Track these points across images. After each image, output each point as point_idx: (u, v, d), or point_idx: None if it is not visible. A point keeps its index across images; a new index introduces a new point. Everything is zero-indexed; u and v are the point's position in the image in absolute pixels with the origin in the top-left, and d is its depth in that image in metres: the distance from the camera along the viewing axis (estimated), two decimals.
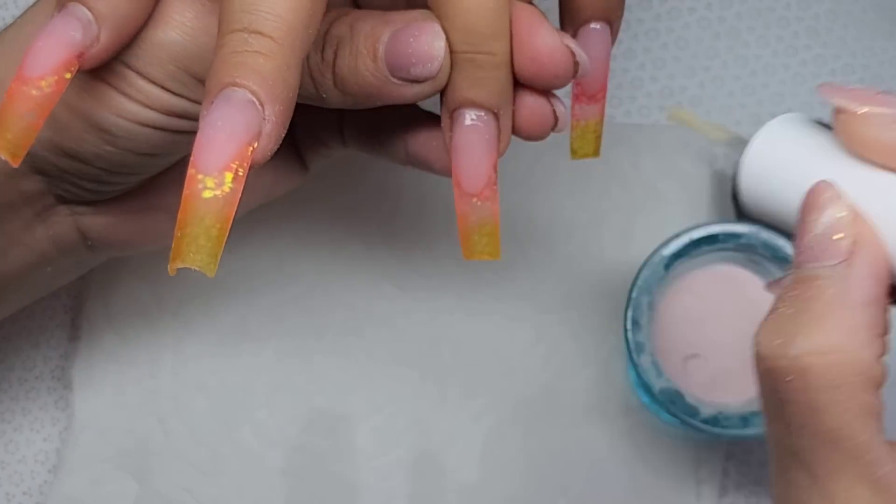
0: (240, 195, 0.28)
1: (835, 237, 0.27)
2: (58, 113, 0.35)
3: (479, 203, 0.33)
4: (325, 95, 0.34)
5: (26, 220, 0.39)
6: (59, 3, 0.32)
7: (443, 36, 0.32)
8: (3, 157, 0.30)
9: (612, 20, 0.36)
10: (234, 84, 0.28)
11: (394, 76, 0.33)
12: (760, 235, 0.44)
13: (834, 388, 0.26)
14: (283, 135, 0.29)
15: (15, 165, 0.31)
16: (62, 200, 0.39)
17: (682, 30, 0.53)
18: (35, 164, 0.37)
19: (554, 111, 0.35)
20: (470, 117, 0.33)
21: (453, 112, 0.33)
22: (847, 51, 0.53)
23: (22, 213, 0.39)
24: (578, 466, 0.48)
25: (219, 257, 0.28)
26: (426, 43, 0.32)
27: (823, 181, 0.28)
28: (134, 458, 0.48)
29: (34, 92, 0.31)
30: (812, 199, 0.28)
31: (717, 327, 0.46)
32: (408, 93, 0.33)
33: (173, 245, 0.27)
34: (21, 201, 0.38)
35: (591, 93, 0.37)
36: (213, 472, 0.48)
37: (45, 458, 0.49)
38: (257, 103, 0.28)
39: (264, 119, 0.28)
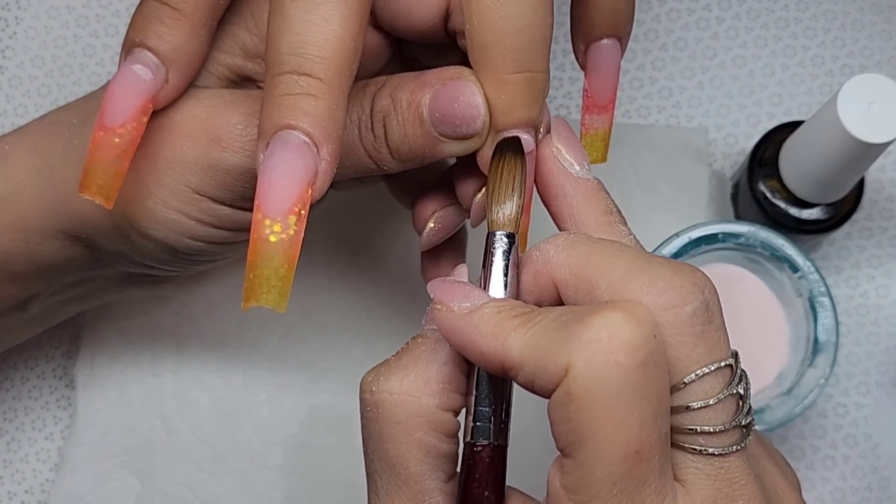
0: (303, 233, 0.29)
1: None
2: (131, 235, 0.36)
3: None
4: (385, 168, 0.35)
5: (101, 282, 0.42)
6: (124, 49, 0.34)
7: (481, 92, 0.32)
8: (97, 202, 0.32)
9: (622, 36, 0.37)
10: (289, 126, 0.29)
11: (441, 135, 0.33)
12: (759, 235, 0.44)
13: (396, 424, 0.30)
14: (336, 170, 0.30)
15: (108, 207, 0.32)
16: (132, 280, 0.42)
17: (681, 31, 0.53)
18: (103, 260, 0.39)
19: None
20: (521, 137, 0.33)
21: (500, 132, 0.33)
22: (845, 51, 0.53)
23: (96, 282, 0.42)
24: None
25: (288, 294, 0.29)
26: (469, 104, 0.32)
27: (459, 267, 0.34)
28: (136, 457, 0.48)
29: (116, 140, 0.32)
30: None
31: None
32: (457, 149, 0.34)
33: (245, 286, 0.29)
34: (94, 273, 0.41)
35: (602, 104, 0.38)
36: (214, 470, 0.48)
37: (48, 457, 0.50)
38: (312, 144, 0.29)
39: (320, 159, 0.29)
